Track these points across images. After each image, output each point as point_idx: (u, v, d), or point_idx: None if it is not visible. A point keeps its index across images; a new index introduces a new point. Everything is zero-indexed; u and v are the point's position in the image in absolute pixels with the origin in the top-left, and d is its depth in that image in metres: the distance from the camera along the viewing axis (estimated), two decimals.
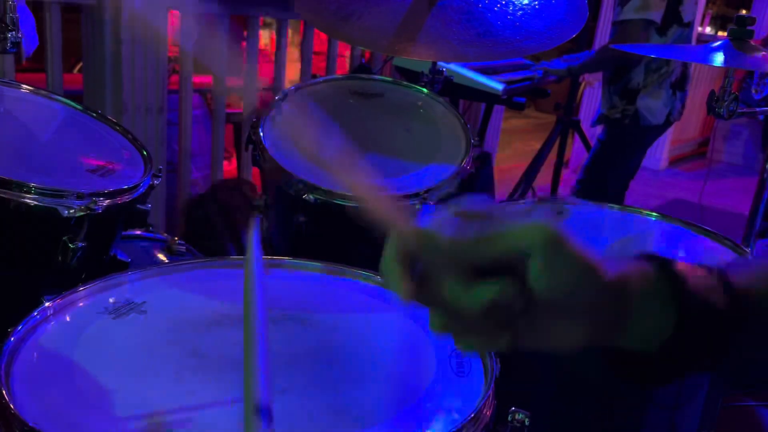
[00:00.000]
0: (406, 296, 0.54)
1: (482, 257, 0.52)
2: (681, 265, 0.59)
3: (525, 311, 0.53)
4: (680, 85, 2.89)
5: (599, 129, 3.06)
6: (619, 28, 2.73)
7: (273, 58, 2.90)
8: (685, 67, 2.91)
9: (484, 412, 0.76)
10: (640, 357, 0.60)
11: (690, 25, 2.82)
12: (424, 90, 1.70)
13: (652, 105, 2.84)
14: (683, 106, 2.97)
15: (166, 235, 1.63)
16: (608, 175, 3.00)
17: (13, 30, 1.22)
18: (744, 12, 1.97)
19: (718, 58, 1.69)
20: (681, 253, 1.43)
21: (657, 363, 0.60)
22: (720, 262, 0.62)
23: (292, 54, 3.77)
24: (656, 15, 2.67)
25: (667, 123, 2.92)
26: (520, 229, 0.52)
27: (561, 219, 1.44)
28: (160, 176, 1.32)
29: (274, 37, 2.91)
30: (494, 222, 0.53)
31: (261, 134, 1.45)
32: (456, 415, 0.75)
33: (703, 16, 6.65)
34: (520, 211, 0.54)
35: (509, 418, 0.82)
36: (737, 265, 0.63)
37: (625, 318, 0.57)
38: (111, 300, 0.93)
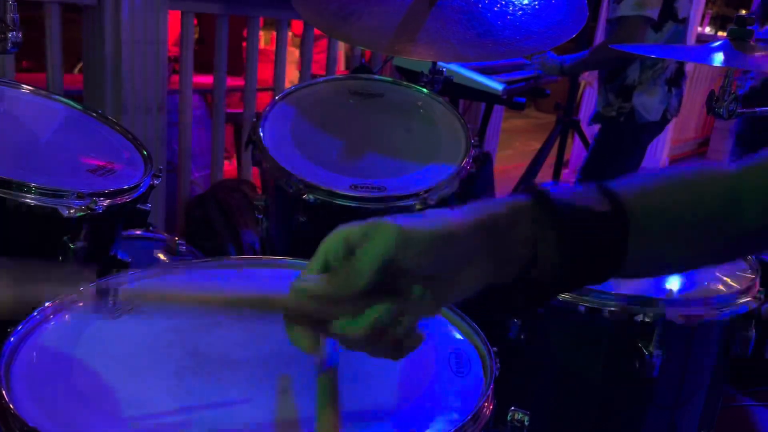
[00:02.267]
0: (312, 350, 0.64)
1: (357, 285, 0.59)
2: (555, 188, 0.65)
3: (423, 290, 0.60)
4: (676, 81, 2.89)
5: (596, 128, 3.05)
6: (616, 25, 2.72)
7: (273, 57, 2.90)
8: (681, 63, 2.91)
9: (483, 412, 0.76)
10: (529, 281, 0.65)
11: (685, 22, 2.81)
12: (424, 90, 1.70)
13: (648, 102, 2.83)
14: (680, 103, 2.96)
15: (166, 235, 1.63)
16: (606, 174, 2.97)
17: (14, 30, 1.22)
18: (744, 12, 1.97)
19: (718, 58, 1.69)
20: None
21: (554, 281, 0.65)
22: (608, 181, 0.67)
23: (292, 54, 3.77)
24: (653, 12, 2.66)
25: (664, 120, 2.91)
26: (368, 247, 0.59)
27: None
28: (160, 176, 1.32)
29: (275, 36, 2.91)
30: (349, 257, 0.60)
31: (261, 134, 1.45)
32: (456, 415, 0.75)
33: (703, 16, 6.65)
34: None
35: (509, 418, 0.82)
36: (625, 180, 0.68)
37: (508, 251, 0.63)
38: (111, 300, 0.93)
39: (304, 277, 0.62)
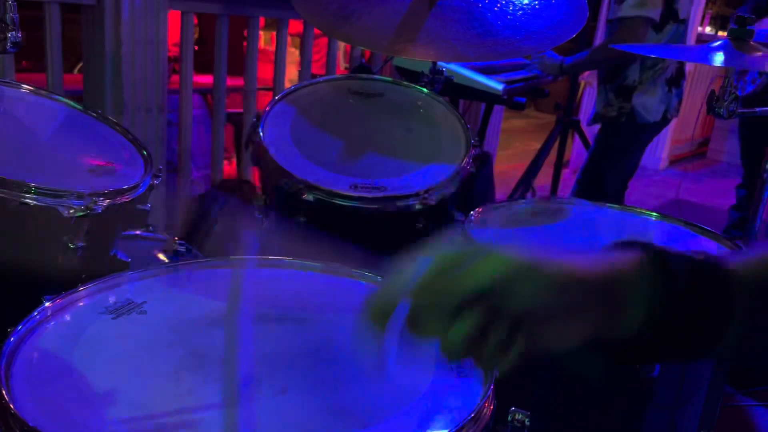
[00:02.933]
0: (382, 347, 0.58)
1: (450, 299, 0.56)
2: (670, 251, 0.61)
3: (516, 327, 0.57)
4: (676, 81, 2.88)
5: (597, 129, 3.05)
6: (618, 25, 2.72)
7: (273, 57, 2.90)
8: (681, 63, 2.90)
9: (484, 412, 0.76)
10: (632, 341, 0.62)
11: (685, 22, 2.81)
12: (424, 90, 1.70)
13: (648, 102, 2.83)
14: (680, 103, 2.96)
15: (166, 235, 1.63)
16: (607, 175, 2.99)
17: (14, 30, 1.22)
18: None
19: (718, 58, 1.69)
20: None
21: (647, 346, 0.62)
22: (718, 252, 0.64)
23: (292, 54, 3.77)
24: (654, 12, 2.65)
25: (664, 120, 2.91)
26: (477, 269, 0.56)
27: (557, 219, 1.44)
28: (160, 176, 1.32)
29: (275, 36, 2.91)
30: (454, 266, 0.57)
31: (261, 134, 1.45)
32: (456, 415, 0.75)
33: (703, 16, 6.65)
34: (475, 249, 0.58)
35: (509, 418, 0.82)
36: (734, 253, 0.65)
37: (620, 310, 0.59)
38: (111, 300, 0.93)
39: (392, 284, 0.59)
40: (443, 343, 0.57)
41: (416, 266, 0.58)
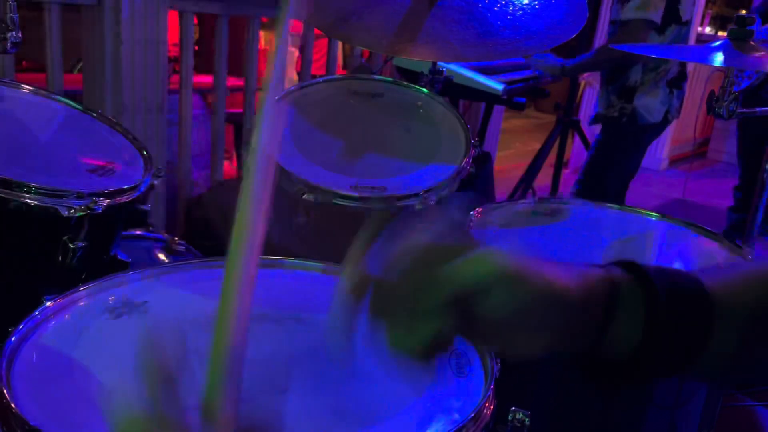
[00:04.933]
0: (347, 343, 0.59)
1: (429, 300, 0.54)
2: (651, 271, 0.60)
3: (477, 332, 0.56)
4: (677, 83, 2.89)
5: (598, 129, 3.05)
6: (620, 27, 2.72)
7: None
8: (682, 65, 2.91)
9: (484, 412, 0.76)
10: (612, 361, 0.60)
11: (688, 24, 2.82)
12: (424, 90, 1.70)
13: (650, 103, 2.83)
14: (681, 104, 2.97)
15: (166, 235, 1.63)
16: (607, 175, 3.00)
17: (13, 30, 1.22)
18: (744, 12, 1.97)
19: (718, 58, 1.69)
20: (677, 262, 1.43)
21: (628, 366, 0.60)
22: (697, 268, 0.63)
23: (292, 54, 3.77)
24: (656, 15, 2.66)
25: (666, 121, 2.92)
26: (465, 267, 0.54)
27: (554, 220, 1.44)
28: (160, 176, 1.32)
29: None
30: (438, 260, 0.55)
31: None
32: (456, 415, 0.75)
33: (703, 16, 6.65)
34: (461, 244, 0.56)
35: (509, 418, 0.82)
36: (714, 270, 0.64)
37: (594, 327, 0.58)
38: (111, 300, 0.93)
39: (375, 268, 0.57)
40: (404, 339, 0.56)
41: (403, 250, 0.57)
